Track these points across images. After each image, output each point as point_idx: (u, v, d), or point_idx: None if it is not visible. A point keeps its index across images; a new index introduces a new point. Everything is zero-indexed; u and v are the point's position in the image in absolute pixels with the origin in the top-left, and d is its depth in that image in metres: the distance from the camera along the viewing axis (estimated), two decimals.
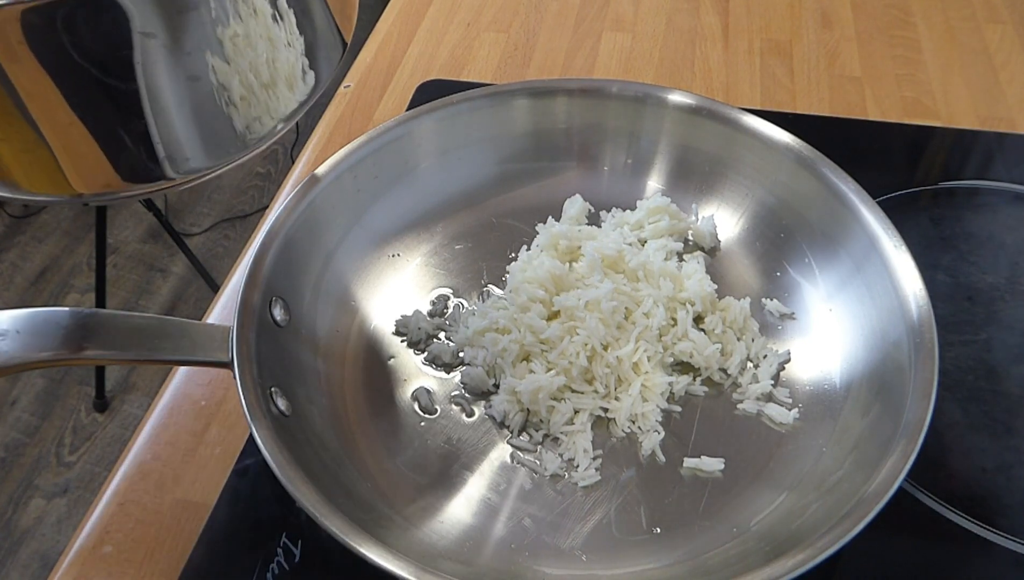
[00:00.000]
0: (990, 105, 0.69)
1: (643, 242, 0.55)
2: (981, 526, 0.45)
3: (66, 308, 0.41)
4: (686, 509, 0.44)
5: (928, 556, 0.44)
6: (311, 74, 0.41)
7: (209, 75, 0.36)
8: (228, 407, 0.50)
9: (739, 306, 0.51)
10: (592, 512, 0.44)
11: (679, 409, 0.48)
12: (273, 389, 0.43)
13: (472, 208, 0.57)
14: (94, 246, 1.42)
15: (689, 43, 0.76)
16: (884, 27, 0.77)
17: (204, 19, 0.36)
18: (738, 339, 0.50)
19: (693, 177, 0.57)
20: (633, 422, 0.47)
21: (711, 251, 0.56)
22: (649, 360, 0.48)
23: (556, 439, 0.47)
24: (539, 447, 0.46)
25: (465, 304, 0.53)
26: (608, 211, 0.57)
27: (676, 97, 0.56)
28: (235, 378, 0.42)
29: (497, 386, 0.48)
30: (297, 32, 0.40)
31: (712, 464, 0.45)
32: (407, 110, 0.63)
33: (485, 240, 0.56)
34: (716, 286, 0.52)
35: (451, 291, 0.54)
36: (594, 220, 0.57)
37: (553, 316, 0.50)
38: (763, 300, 0.52)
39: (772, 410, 0.47)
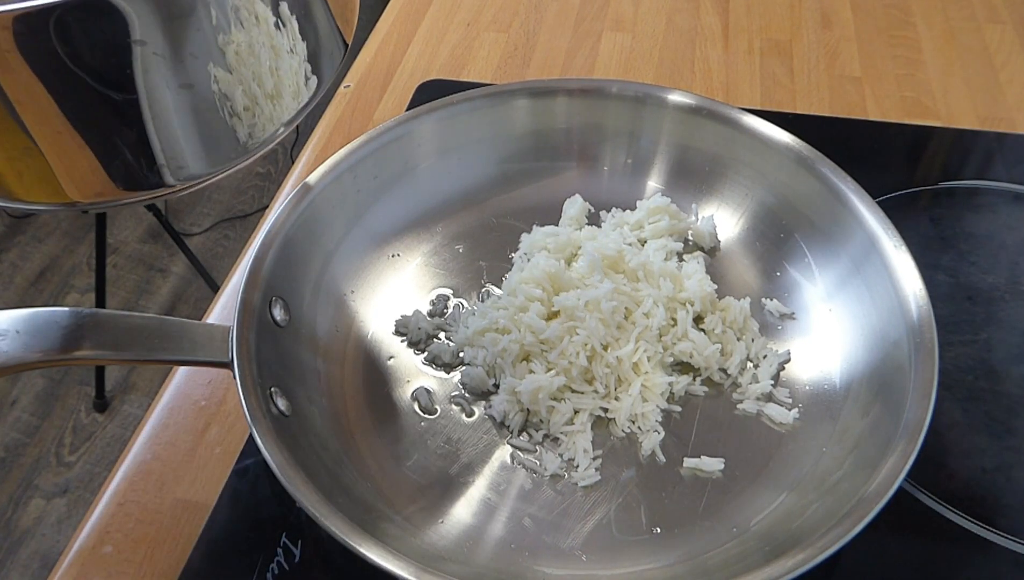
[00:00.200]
0: (990, 105, 0.69)
1: (643, 242, 0.55)
2: (981, 526, 0.45)
3: (66, 308, 0.41)
4: (686, 509, 0.44)
5: (928, 556, 0.44)
6: (313, 79, 0.41)
7: (210, 83, 0.36)
8: (228, 407, 0.50)
9: (739, 306, 0.51)
10: (592, 512, 0.44)
11: (679, 409, 0.48)
12: (273, 389, 0.43)
13: (472, 208, 0.57)
14: (94, 246, 1.42)
15: (689, 43, 0.76)
16: (884, 27, 0.77)
17: (204, 26, 0.35)
18: (738, 339, 0.50)
19: (693, 177, 0.57)
20: (633, 422, 0.47)
21: (711, 251, 0.56)
22: (649, 360, 0.48)
23: (556, 439, 0.47)
24: (539, 447, 0.46)
25: (465, 304, 0.53)
26: (608, 211, 0.57)
27: (676, 97, 0.56)
28: (235, 378, 0.42)
29: (497, 386, 0.48)
30: (300, 38, 0.40)
31: (712, 464, 0.45)
32: (407, 110, 0.63)
33: (485, 240, 0.56)
34: (716, 286, 0.52)
35: (451, 291, 0.54)
36: (594, 220, 0.57)
37: (553, 316, 0.50)
38: (763, 300, 0.52)
39: (772, 410, 0.47)
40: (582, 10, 0.80)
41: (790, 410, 0.47)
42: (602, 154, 0.59)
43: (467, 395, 0.49)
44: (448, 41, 0.77)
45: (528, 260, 0.53)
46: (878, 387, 0.45)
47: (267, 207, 0.66)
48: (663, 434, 0.47)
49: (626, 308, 0.49)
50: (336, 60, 0.43)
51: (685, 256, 0.55)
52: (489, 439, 0.47)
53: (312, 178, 0.51)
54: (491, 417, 0.48)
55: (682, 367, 0.50)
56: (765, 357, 0.50)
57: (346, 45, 0.43)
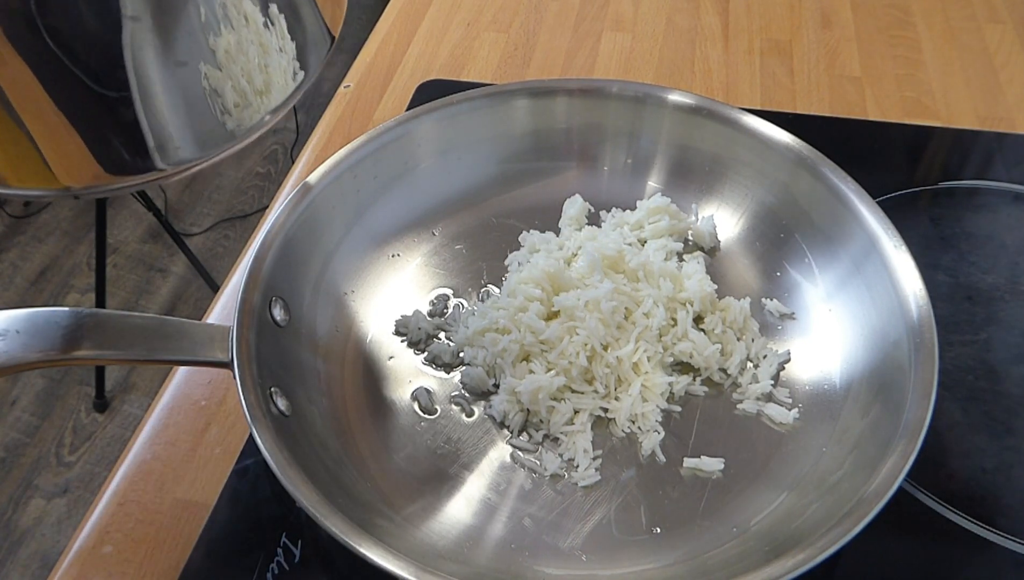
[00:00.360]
0: (990, 105, 0.69)
1: (643, 242, 0.55)
2: (981, 526, 0.45)
3: (66, 308, 0.41)
4: (686, 509, 0.44)
5: (928, 556, 0.44)
6: (301, 74, 0.41)
7: (199, 65, 0.36)
8: (228, 407, 0.50)
9: (739, 306, 0.51)
10: (592, 512, 0.44)
11: (679, 409, 0.48)
12: (273, 389, 0.43)
13: (472, 208, 0.57)
14: (94, 246, 1.42)
15: (689, 43, 0.76)
16: (884, 27, 0.77)
17: (194, 22, 0.36)
18: (738, 339, 0.50)
19: (693, 177, 0.57)
20: (633, 422, 0.47)
21: (711, 251, 0.56)
22: (649, 360, 0.48)
23: (556, 439, 0.47)
24: (539, 447, 0.46)
25: (465, 304, 0.53)
26: (608, 211, 0.57)
27: (676, 97, 0.56)
28: (235, 378, 0.42)
29: (497, 386, 0.48)
30: (289, 38, 0.40)
31: (712, 464, 0.45)
32: (407, 110, 0.63)
33: (485, 240, 0.56)
34: (716, 286, 0.52)
35: (451, 291, 0.54)
36: (594, 220, 0.57)
37: (553, 316, 0.50)
38: (763, 300, 0.52)
39: (772, 410, 0.47)
40: (582, 10, 0.80)
41: (790, 410, 0.47)
42: (602, 154, 0.59)
43: (467, 395, 0.49)
44: (448, 41, 0.77)
45: (530, 256, 0.54)
46: (878, 387, 0.45)
47: (267, 207, 0.66)
48: (663, 434, 0.47)
49: (626, 308, 0.49)
50: (323, 52, 0.43)
51: (685, 256, 0.55)
52: (489, 439, 0.47)
53: (312, 178, 0.51)
54: (491, 417, 0.48)
55: (682, 367, 0.50)
56: (765, 357, 0.50)
57: (332, 37, 0.43)
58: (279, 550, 0.44)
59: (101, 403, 1.44)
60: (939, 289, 0.55)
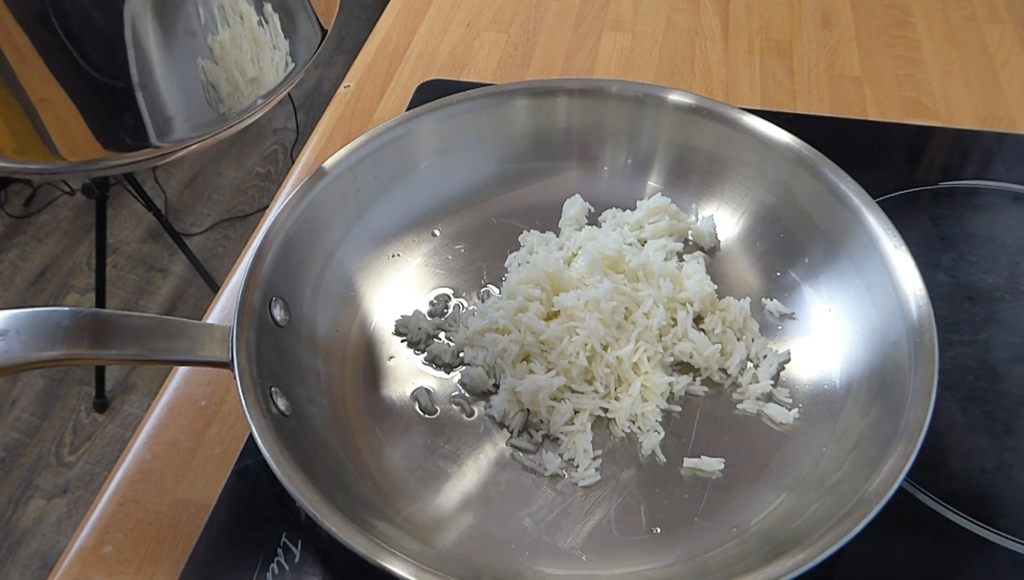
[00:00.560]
0: (990, 105, 0.69)
1: (643, 242, 0.55)
2: (981, 526, 0.45)
3: (66, 308, 0.41)
4: (686, 509, 0.44)
5: (928, 556, 0.44)
6: (292, 65, 0.42)
7: (196, 50, 0.37)
8: (228, 407, 0.50)
9: (739, 306, 0.51)
10: (592, 512, 0.44)
11: (679, 409, 0.48)
12: (273, 389, 0.43)
13: (472, 208, 0.57)
14: (94, 246, 1.42)
15: (689, 43, 0.76)
16: (884, 27, 0.77)
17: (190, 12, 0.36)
18: (738, 339, 0.50)
19: (693, 177, 0.57)
20: (633, 422, 0.47)
21: (711, 251, 0.56)
22: (649, 360, 0.48)
23: (556, 439, 0.47)
24: (539, 447, 0.46)
25: (465, 304, 0.53)
26: (608, 211, 0.57)
27: (676, 97, 0.56)
28: (235, 378, 0.42)
29: (497, 386, 0.48)
30: (282, 35, 0.41)
31: (712, 464, 0.45)
32: (407, 110, 0.63)
33: (485, 240, 0.56)
34: (716, 286, 0.52)
35: (451, 291, 0.54)
36: (594, 220, 0.57)
37: (553, 316, 0.50)
38: (763, 300, 0.52)
39: (772, 410, 0.47)
40: (582, 10, 0.80)
41: (790, 410, 0.47)
42: (602, 154, 0.59)
43: (467, 395, 0.49)
44: (448, 41, 0.77)
45: (530, 253, 0.54)
46: (878, 387, 0.45)
47: (267, 207, 0.66)
48: (663, 434, 0.47)
49: (626, 308, 0.49)
50: (313, 45, 0.44)
51: (685, 256, 0.55)
52: (489, 439, 0.47)
53: (312, 178, 0.51)
54: (491, 417, 0.48)
55: (682, 367, 0.50)
56: (765, 357, 0.50)
57: (324, 31, 0.44)
58: (279, 550, 0.44)
59: (101, 403, 1.44)
60: (939, 289, 0.55)
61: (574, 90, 0.58)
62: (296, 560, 0.43)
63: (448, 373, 0.50)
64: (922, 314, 0.45)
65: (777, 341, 0.51)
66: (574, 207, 0.57)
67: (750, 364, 0.50)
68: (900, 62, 0.73)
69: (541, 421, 0.47)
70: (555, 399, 0.47)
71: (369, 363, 0.50)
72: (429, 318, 0.52)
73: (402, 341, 0.51)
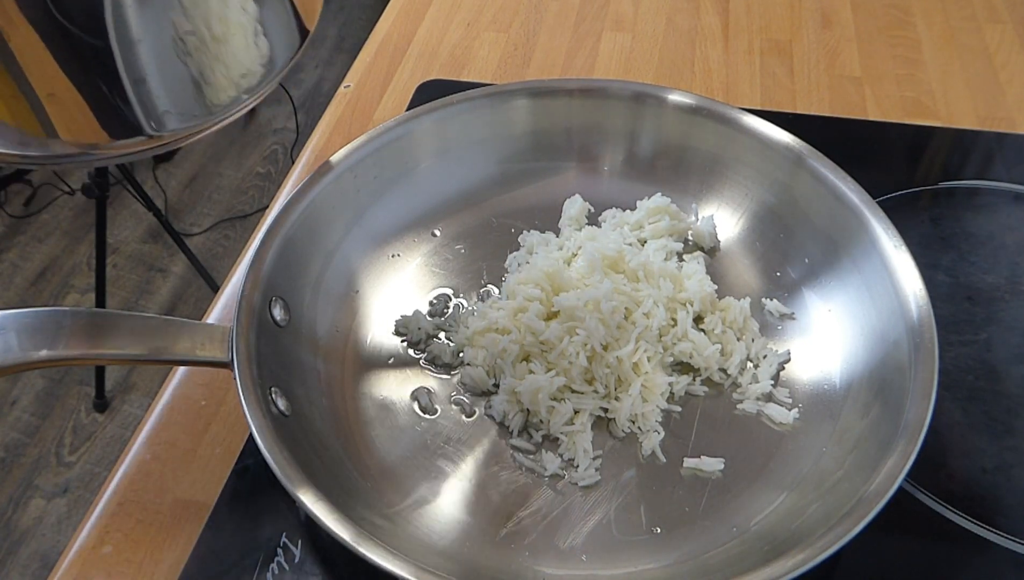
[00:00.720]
0: (990, 105, 0.69)
1: (643, 242, 0.55)
2: (981, 526, 0.45)
3: (66, 308, 0.41)
4: (686, 509, 0.44)
5: (928, 556, 0.44)
6: (265, 43, 0.43)
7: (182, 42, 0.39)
8: (228, 407, 0.50)
9: (739, 306, 0.51)
10: (592, 512, 0.44)
11: (679, 409, 0.48)
12: (273, 389, 0.43)
13: (472, 208, 0.57)
14: (94, 246, 1.42)
15: (689, 43, 0.76)
16: (884, 27, 0.77)
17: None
18: (738, 339, 0.50)
19: (693, 177, 0.57)
20: (633, 422, 0.47)
21: (711, 251, 0.56)
22: (649, 360, 0.48)
23: (556, 439, 0.47)
24: (539, 447, 0.46)
25: (465, 304, 0.53)
26: (608, 211, 0.57)
27: (676, 97, 0.56)
28: (235, 378, 0.42)
29: (497, 386, 0.48)
30: (263, 34, 0.43)
31: (712, 464, 0.45)
32: (407, 110, 0.63)
33: (485, 240, 0.56)
34: (716, 286, 0.52)
35: (451, 291, 0.54)
36: (594, 220, 0.57)
37: (553, 316, 0.50)
38: (763, 300, 0.52)
39: (772, 410, 0.47)
40: (582, 10, 0.80)
41: (790, 410, 0.47)
42: (602, 154, 0.59)
43: (467, 395, 0.49)
44: (448, 41, 0.77)
45: (530, 254, 0.54)
46: (878, 387, 0.45)
47: (267, 207, 0.66)
48: (663, 434, 0.47)
49: (626, 308, 0.49)
50: (294, 47, 0.45)
51: (685, 256, 0.55)
52: (489, 439, 0.47)
53: (312, 177, 0.51)
54: (491, 417, 0.48)
55: (682, 367, 0.50)
56: (765, 357, 0.50)
57: (306, 32, 0.45)
58: (279, 550, 0.44)
59: (101, 403, 1.44)
60: (939, 289, 0.55)
61: (574, 90, 0.58)
62: (296, 560, 0.43)
63: (448, 373, 0.50)
64: (922, 314, 0.45)
65: (777, 341, 0.51)
66: (574, 207, 0.57)
67: (750, 364, 0.50)
68: (900, 62, 0.73)
69: (541, 421, 0.47)
70: (555, 399, 0.47)
71: (369, 363, 0.50)
72: (429, 318, 0.52)
73: (402, 341, 0.51)
